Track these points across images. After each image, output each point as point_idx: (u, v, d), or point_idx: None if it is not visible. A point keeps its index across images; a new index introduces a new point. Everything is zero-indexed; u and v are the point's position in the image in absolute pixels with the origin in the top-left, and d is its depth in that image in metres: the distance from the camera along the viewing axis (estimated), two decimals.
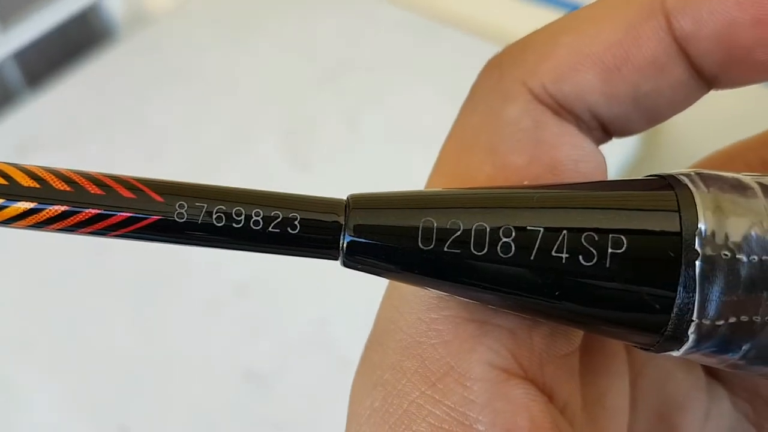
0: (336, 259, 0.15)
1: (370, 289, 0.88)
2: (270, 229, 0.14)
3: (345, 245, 0.14)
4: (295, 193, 0.15)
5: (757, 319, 0.13)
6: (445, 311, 0.15)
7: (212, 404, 0.75)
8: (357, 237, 0.14)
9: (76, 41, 1.24)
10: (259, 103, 1.03)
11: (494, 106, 0.16)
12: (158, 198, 0.14)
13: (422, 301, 0.16)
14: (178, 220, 0.14)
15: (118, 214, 0.14)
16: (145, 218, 0.14)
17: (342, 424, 0.18)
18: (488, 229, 0.14)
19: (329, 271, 0.82)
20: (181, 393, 0.76)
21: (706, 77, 0.16)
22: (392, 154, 0.93)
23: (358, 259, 0.15)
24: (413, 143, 0.81)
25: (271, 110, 1.01)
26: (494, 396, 0.15)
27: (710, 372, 0.21)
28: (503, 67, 0.17)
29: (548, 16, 0.84)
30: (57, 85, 1.09)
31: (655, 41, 0.16)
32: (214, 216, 0.14)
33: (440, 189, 0.16)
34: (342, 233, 0.14)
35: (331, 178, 0.93)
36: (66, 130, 1.02)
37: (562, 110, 0.16)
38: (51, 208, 0.14)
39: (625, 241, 0.13)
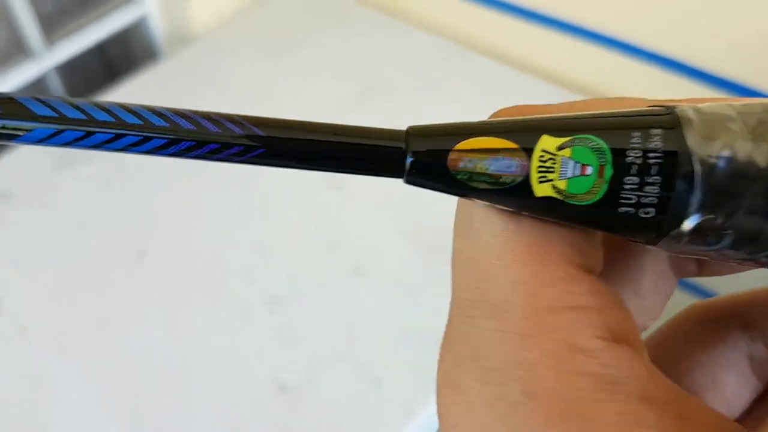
0: (401, 177, 0.18)
1: (397, 305, 0.89)
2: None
3: (408, 165, 0.17)
4: (366, 126, 0.18)
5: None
6: (543, 303, 0.18)
7: (242, 413, 0.76)
8: (417, 157, 0.17)
9: (119, 58, 1.28)
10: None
11: None
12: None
13: (517, 301, 0.18)
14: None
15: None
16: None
17: None
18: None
19: (359, 286, 0.84)
20: (212, 401, 0.78)
21: None
22: None
23: (419, 176, 0.18)
24: None
25: None
26: (619, 359, 0.17)
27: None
28: None
29: (565, 41, 0.85)
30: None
31: None
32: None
33: (481, 120, 0.18)
34: (405, 156, 0.17)
35: (361, 195, 0.95)
36: None
37: None
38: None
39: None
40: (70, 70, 1.19)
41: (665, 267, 0.22)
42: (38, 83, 1.14)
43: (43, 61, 1.10)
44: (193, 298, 0.86)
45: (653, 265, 0.22)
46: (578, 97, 1.09)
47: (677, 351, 0.24)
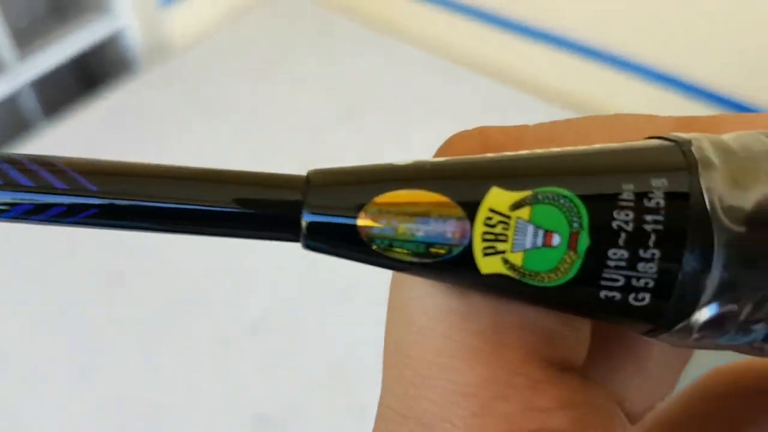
0: (297, 241, 0.13)
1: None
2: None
3: (305, 225, 0.12)
4: (250, 170, 0.13)
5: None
6: (492, 426, 0.12)
7: None
8: (318, 216, 0.12)
9: (95, 72, 1.25)
10: (278, 137, 1.03)
11: None
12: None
13: (459, 421, 0.13)
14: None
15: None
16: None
17: None
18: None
19: (348, 310, 0.81)
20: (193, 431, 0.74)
21: None
22: None
23: (321, 240, 0.12)
24: None
25: (289, 145, 1.01)
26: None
27: None
28: None
29: (559, 56, 0.83)
30: (74, 115, 1.09)
31: None
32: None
33: (414, 161, 0.13)
34: (301, 212, 0.12)
35: None
36: None
37: None
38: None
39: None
40: (46, 84, 1.15)
41: None
42: (12, 98, 1.11)
43: (17, 75, 1.07)
44: (169, 327, 0.82)
45: None
46: (568, 113, 1.07)
47: None
